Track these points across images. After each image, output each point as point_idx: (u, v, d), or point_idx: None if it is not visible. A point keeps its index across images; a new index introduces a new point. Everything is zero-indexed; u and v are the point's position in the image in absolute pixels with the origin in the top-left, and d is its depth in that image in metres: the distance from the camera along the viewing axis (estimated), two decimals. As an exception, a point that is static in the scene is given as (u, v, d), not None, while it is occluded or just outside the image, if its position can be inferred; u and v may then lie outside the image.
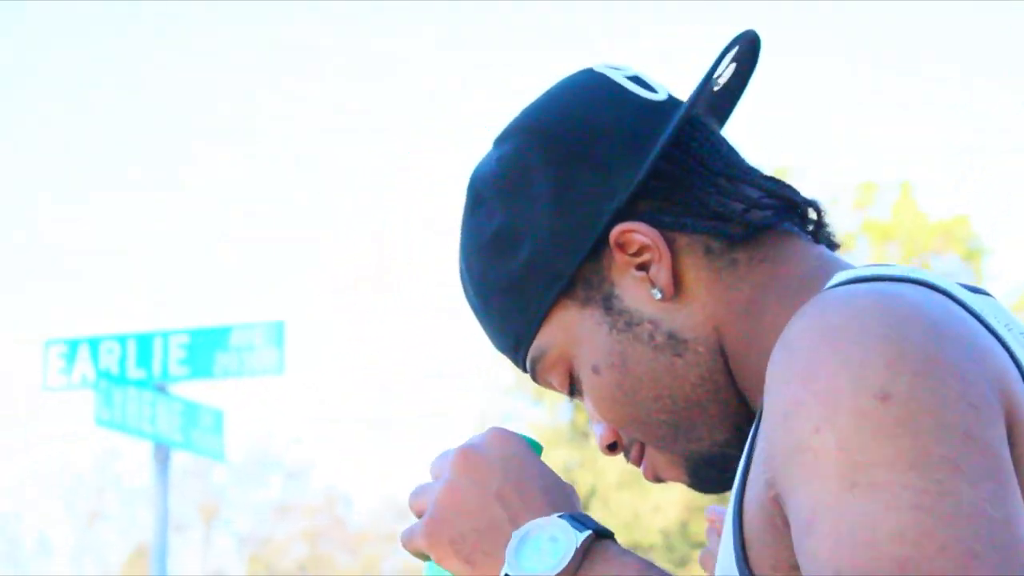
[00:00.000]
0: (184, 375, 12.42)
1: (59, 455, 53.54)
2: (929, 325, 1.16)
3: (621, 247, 1.38)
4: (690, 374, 1.38)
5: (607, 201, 1.38)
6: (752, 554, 1.22)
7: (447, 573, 1.27)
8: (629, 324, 1.39)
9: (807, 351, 1.16)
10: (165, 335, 12.47)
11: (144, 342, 12.45)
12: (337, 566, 37.59)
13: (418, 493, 1.29)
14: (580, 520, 1.22)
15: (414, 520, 1.30)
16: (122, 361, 12.40)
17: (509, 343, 1.45)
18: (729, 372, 1.39)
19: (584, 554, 1.20)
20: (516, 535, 1.22)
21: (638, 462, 1.44)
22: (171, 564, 12.81)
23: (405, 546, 1.28)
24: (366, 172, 53.04)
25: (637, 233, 1.37)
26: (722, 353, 1.38)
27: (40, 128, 53.01)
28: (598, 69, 1.46)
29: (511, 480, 1.26)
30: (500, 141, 1.46)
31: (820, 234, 1.44)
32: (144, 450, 25.92)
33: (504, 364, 24.74)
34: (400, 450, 51.75)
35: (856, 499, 1.09)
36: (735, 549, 1.23)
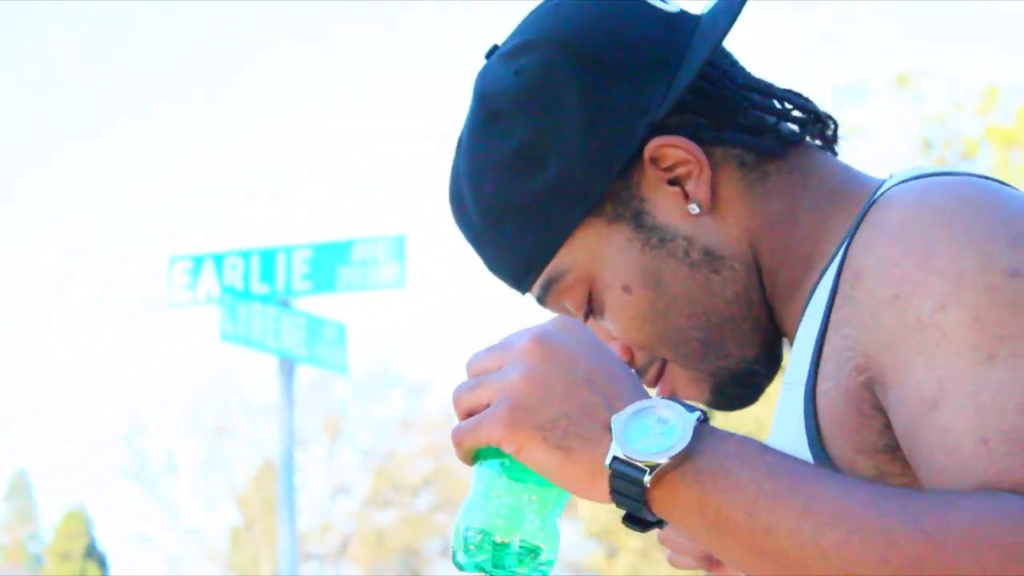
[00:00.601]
0: (307, 289, 12.48)
1: (185, 372, 54.33)
2: None
3: (655, 162, 1.36)
4: (726, 290, 1.37)
5: (641, 116, 1.35)
6: (828, 441, 1.22)
7: (505, 473, 1.19)
8: (662, 240, 1.36)
9: (921, 234, 1.16)
10: (288, 250, 12.52)
11: (267, 257, 12.52)
12: (461, 479, 37.90)
13: (474, 387, 1.18)
14: (686, 403, 1.16)
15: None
16: (246, 276, 12.49)
17: (519, 266, 1.41)
18: (762, 287, 1.38)
19: (700, 435, 1.13)
20: (621, 416, 1.13)
21: (654, 382, 1.42)
22: (297, 479, 12.93)
23: (463, 440, 1.18)
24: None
25: (674, 147, 1.35)
26: (757, 268, 1.37)
27: (166, 46, 53.51)
28: None
29: (597, 364, 1.17)
30: (515, 53, 1.40)
31: (835, 149, 1.44)
32: (268, 365, 26.23)
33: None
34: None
35: (996, 368, 1.09)
36: (810, 437, 1.24)
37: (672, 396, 1.21)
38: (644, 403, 1.14)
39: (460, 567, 1.19)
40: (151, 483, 37.68)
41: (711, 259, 1.36)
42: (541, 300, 1.43)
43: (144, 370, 52.65)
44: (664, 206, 1.36)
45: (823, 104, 1.43)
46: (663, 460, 1.11)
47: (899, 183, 1.27)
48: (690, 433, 1.11)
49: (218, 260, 12.53)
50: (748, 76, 1.42)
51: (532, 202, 1.37)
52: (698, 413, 1.13)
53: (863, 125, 19.89)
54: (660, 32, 1.38)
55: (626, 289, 1.37)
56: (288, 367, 12.49)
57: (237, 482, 37.68)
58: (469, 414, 1.18)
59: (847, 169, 1.40)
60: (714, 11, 1.40)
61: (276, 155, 53.87)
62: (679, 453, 1.11)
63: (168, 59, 55.54)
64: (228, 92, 55.05)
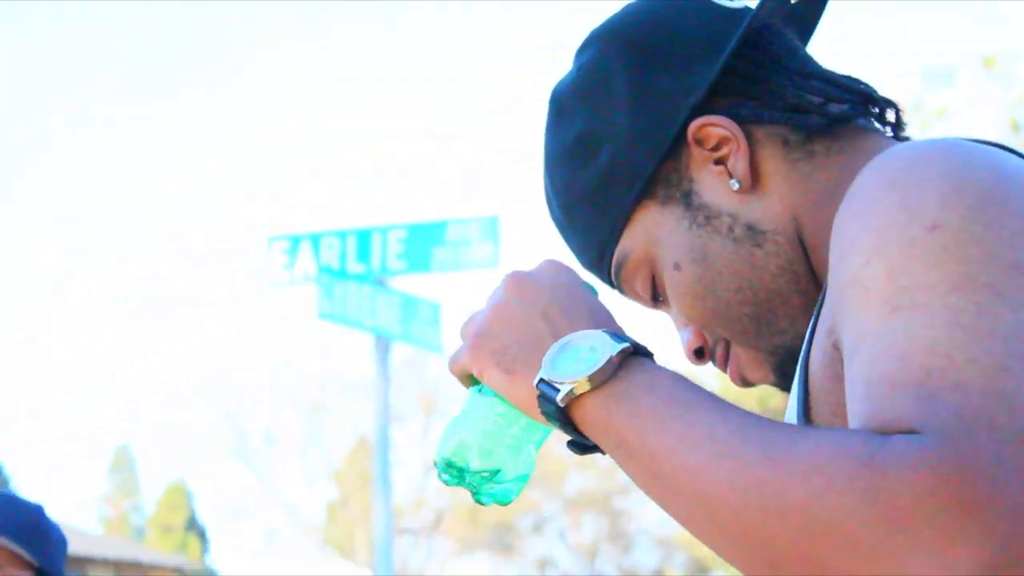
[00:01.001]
0: (402, 269, 12.37)
1: (283, 349, 54.70)
2: (990, 167, 1.17)
3: (699, 142, 1.40)
4: (769, 264, 1.38)
5: (684, 98, 1.39)
6: (814, 404, 1.24)
7: (486, 396, 1.28)
8: (708, 218, 1.39)
9: (868, 196, 1.18)
10: (383, 230, 12.46)
11: (363, 237, 12.47)
12: (552, 456, 37.96)
13: (469, 319, 1.30)
14: (620, 336, 1.21)
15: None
16: (342, 256, 12.41)
17: (594, 254, 1.46)
18: (809, 262, 1.38)
19: (620, 365, 1.19)
20: (556, 344, 1.22)
21: (724, 365, 1.45)
22: (392, 455, 12.99)
23: (451, 368, 1.29)
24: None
25: (714, 126, 1.39)
26: (801, 243, 1.38)
27: (257, 25, 53.75)
28: None
29: (558, 300, 1.26)
30: (580, 52, 1.47)
31: (899, 135, 1.45)
32: (364, 344, 26.32)
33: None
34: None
35: (896, 320, 1.10)
36: (799, 400, 1.26)
37: (614, 332, 1.22)
38: (579, 334, 1.22)
39: (441, 480, 1.30)
40: (250, 458, 37.96)
41: (754, 234, 1.38)
42: (619, 289, 1.47)
43: (244, 348, 53.14)
44: (710, 185, 1.39)
45: (886, 90, 1.44)
46: (575, 382, 1.19)
47: None
48: (605, 360, 1.18)
49: (315, 240, 12.49)
50: (803, 62, 1.44)
51: (592, 189, 1.42)
52: (625, 344, 1.20)
53: (952, 107, 19.84)
54: (708, 21, 1.42)
55: (676, 267, 1.41)
56: (384, 345, 12.44)
57: (333, 458, 37.85)
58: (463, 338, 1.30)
59: None
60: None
61: (373, 138, 54.08)
62: (591, 376, 1.18)
63: (262, 40, 55.84)
64: (325, 74, 55.31)
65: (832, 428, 1.09)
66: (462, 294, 33.11)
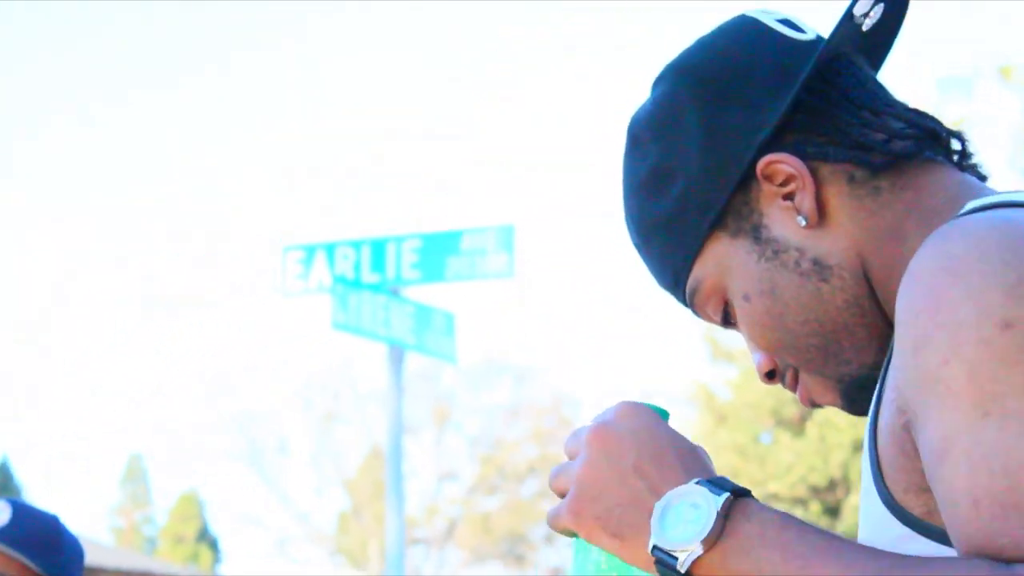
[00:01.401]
0: (416, 279, 12.35)
1: (297, 359, 54.76)
2: None
3: (768, 178, 1.43)
4: (836, 298, 1.42)
5: (754, 134, 1.43)
6: (887, 475, 1.29)
7: (596, 549, 1.29)
8: (776, 252, 1.43)
9: (930, 282, 1.21)
10: (398, 240, 12.43)
11: (378, 247, 12.46)
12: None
13: (557, 474, 1.32)
14: (717, 483, 1.24)
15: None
16: (357, 266, 12.41)
17: (669, 279, 1.51)
18: (874, 296, 1.42)
19: (726, 516, 1.22)
20: (658, 506, 1.24)
21: (793, 388, 1.49)
22: (405, 465, 12.95)
23: (552, 526, 1.31)
24: (598, 78, 52.90)
25: (782, 163, 1.42)
26: (866, 278, 1.42)
27: (286, 43, 53.85)
28: (749, 14, 1.51)
29: (645, 452, 1.28)
30: (656, 84, 1.52)
31: (965, 164, 1.47)
32: (377, 354, 26.40)
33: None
34: (627, 350, 51.86)
35: (988, 428, 1.15)
36: (872, 469, 1.31)
37: (712, 480, 1.26)
38: (678, 491, 1.25)
39: None
40: (263, 468, 38.03)
41: (820, 269, 1.42)
42: (692, 310, 1.52)
43: (257, 357, 53.17)
44: (779, 220, 1.43)
45: (947, 120, 1.48)
46: (691, 548, 1.22)
47: (963, 214, 1.33)
48: (713, 520, 1.21)
49: (330, 250, 12.49)
50: (872, 95, 1.47)
51: (666, 219, 1.47)
52: (727, 495, 1.23)
53: (968, 118, 19.78)
54: (778, 56, 1.46)
55: (746, 298, 1.46)
56: (397, 355, 12.43)
57: (346, 468, 37.90)
58: (561, 496, 1.32)
59: (961, 184, 1.43)
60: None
61: (387, 147, 54.14)
62: (706, 539, 1.21)
63: (278, 46, 55.96)
64: (337, 86, 55.40)
65: (951, 560, 1.16)
66: (477, 304, 33.09)
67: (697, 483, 1.24)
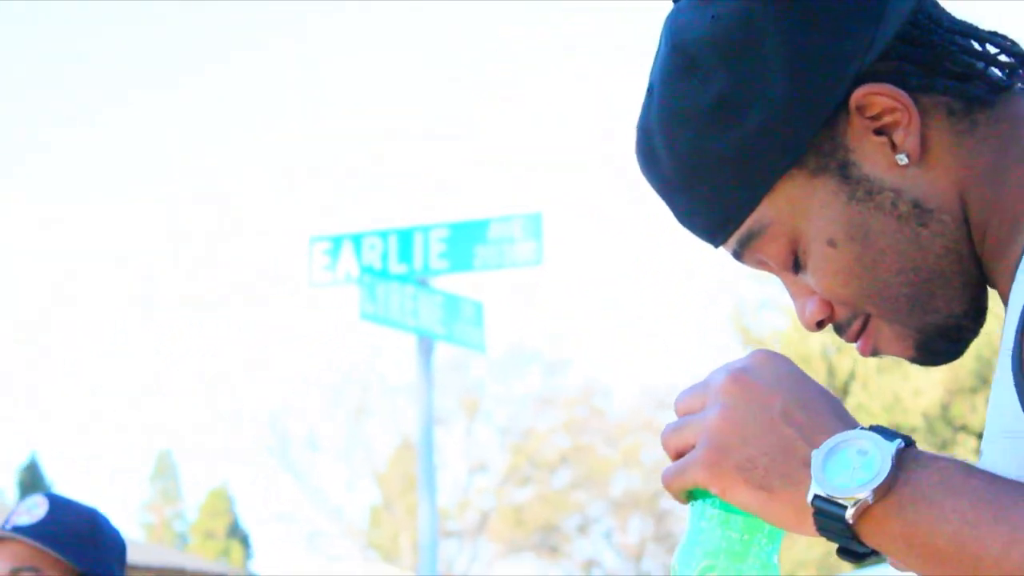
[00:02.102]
0: (444, 268, 12.41)
1: (325, 351, 54.82)
2: None
3: (861, 110, 1.31)
4: (935, 244, 1.32)
5: (847, 63, 1.30)
6: None
7: (719, 510, 1.20)
8: (870, 193, 1.31)
9: None
10: (425, 229, 12.48)
11: (405, 237, 12.48)
12: (597, 456, 37.87)
13: (679, 428, 1.20)
14: (887, 431, 1.14)
15: (678, 440, 1.21)
16: (384, 256, 12.43)
17: (715, 220, 1.37)
18: (971, 241, 1.33)
19: (899, 465, 1.12)
20: (819, 452, 1.13)
21: (855, 338, 1.38)
22: (436, 457, 12.94)
23: (671, 484, 1.20)
24: (628, 66, 52.86)
25: (882, 95, 1.30)
26: (966, 221, 1.32)
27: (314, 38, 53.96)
28: None
29: (793, 398, 1.17)
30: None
31: None
32: (407, 345, 26.37)
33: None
34: (658, 340, 51.80)
35: None
36: (1021, 403, 1.19)
37: (876, 427, 1.15)
38: (842, 436, 1.13)
39: None
40: (293, 462, 38.06)
41: (919, 212, 1.31)
42: (738, 255, 1.39)
43: (285, 350, 53.21)
44: (871, 157, 1.31)
45: None
46: (863, 495, 1.11)
47: None
48: (889, 464, 1.11)
49: (357, 240, 12.51)
50: (952, 19, 1.37)
51: (732, 154, 1.33)
52: (898, 441, 1.13)
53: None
54: None
55: (831, 243, 1.33)
56: (426, 346, 12.44)
57: (377, 461, 37.95)
58: (678, 455, 1.20)
59: None
60: None
61: (412, 136, 54.11)
62: (879, 486, 1.11)
63: (304, 37, 56.01)
64: (366, 73, 55.41)
65: None
66: (505, 293, 33.03)
67: (864, 429, 1.14)
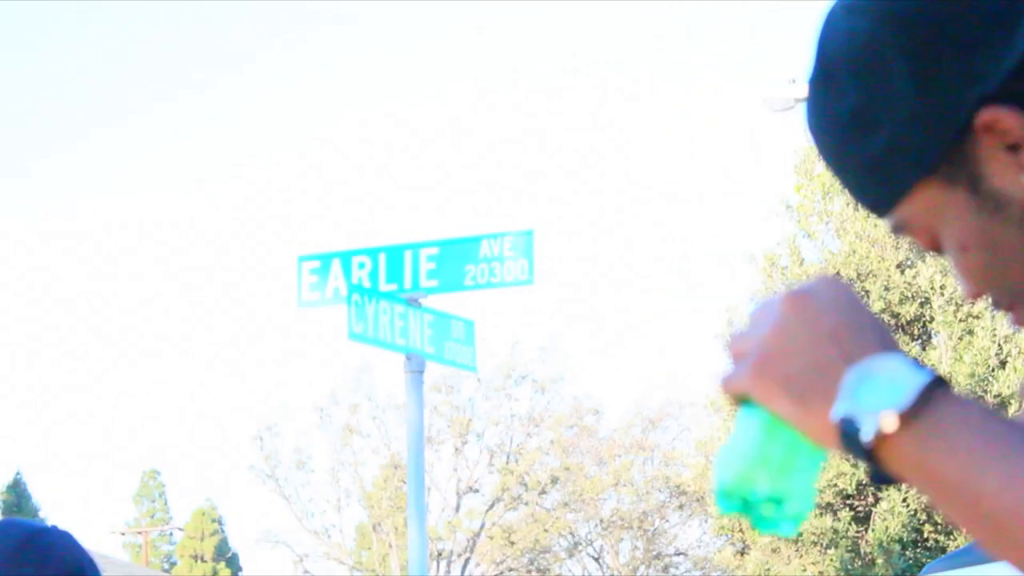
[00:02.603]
0: (434, 287, 12.33)
1: (314, 371, 54.71)
2: None
3: (988, 130, 1.33)
4: None
5: (972, 85, 1.33)
6: None
7: (761, 418, 1.25)
8: (998, 207, 1.35)
9: None
10: (415, 247, 12.40)
11: (394, 255, 12.40)
12: (588, 476, 37.73)
13: (739, 337, 1.27)
14: (920, 365, 1.19)
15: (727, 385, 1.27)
16: (373, 275, 12.37)
17: (868, 207, 1.44)
18: None
19: (926, 397, 1.17)
20: (853, 372, 1.19)
21: (1007, 311, 1.43)
22: (425, 478, 12.87)
23: (725, 388, 1.26)
24: (619, 85, 52.85)
25: (1009, 118, 1.32)
26: None
27: (300, 45, 53.91)
28: None
29: (844, 320, 1.23)
30: (852, 11, 1.39)
31: None
32: (396, 364, 26.28)
33: (751, 269, 24.48)
34: (648, 359, 51.73)
35: None
36: None
37: (914, 360, 1.20)
38: (878, 360, 1.19)
39: (719, 508, 1.27)
40: (281, 482, 37.92)
41: None
42: (896, 233, 1.45)
43: (274, 370, 53.05)
44: (999, 172, 1.35)
45: None
46: (883, 419, 1.16)
47: None
48: (914, 394, 1.17)
49: (346, 259, 12.45)
50: None
51: (868, 163, 1.39)
52: (928, 375, 1.17)
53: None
54: None
55: (963, 249, 1.38)
56: (416, 365, 12.34)
57: (366, 481, 37.83)
58: (737, 360, 1.26)
59: None
60: None
61: (402, 154, 54.06)
62: (900, 413, 1.17)
63: (293, 59, 55.95)
64: (354, 93, 55.35)
65: None
66: (496, 311, 32.98)
67: (900, 358, 1.20)
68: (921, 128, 1.35)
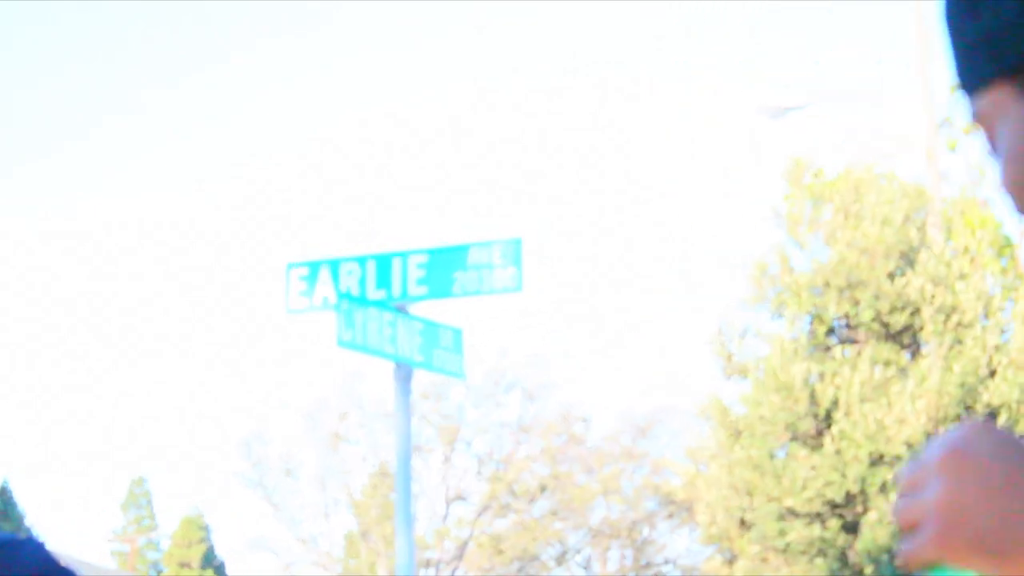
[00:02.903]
0: (423, 295, 12.39)
1: (302, 378, 54.63)
2: None
3: None
4: None
5: None
6: None
7: None
8: None
9: None
10: (404, 255, 12.48)
11: (383, 263, 12.47)
12: (577, 484, 37.68)
13: (904, 507, 1.28)
14: None
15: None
16: (362, 282, 12.44)
17: (955, 85, 1.46)
18: None
19: None
20: None
21: None
22: (413, 485, 12.87)
23: (909, 563, 1.28)
24: (607, 93, 52.82)
25: None
26: None
27: (294, 50, 53.85)
28: None
29: (1011, 467, 1.23)
30: None
31: None
32: (384, 372, 26.27)
33: (742, 276, 24.43)
34: (638, 367, 51.68)
35: None
36: None
37: None
38: None
39: None
40: (269, 490, 37.84)
41: None
42: (973, 121, 1.48)
43: (262, 377, 52.97)
44: None
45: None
46: None
47: None
48: None
49: (334, 266, 12.52)
50: None
51: (962, 45, 1.43)
52: None
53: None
54: None
55: (1010, 159, 1.39)
56: (405, 373, 12.41)
57: (354, 489, 37.76)
58: (909, 530, 1.27)
59: None
60: None
61: (390, 161, 54.02)
62: None
63: (280, 65, 55.89)
64: (342, 99, 55.31)
65: None
66: (485, 319, 32.93)
67: None
68: (1013, 30, 1.37)
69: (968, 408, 22.14)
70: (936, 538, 1.24)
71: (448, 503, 37.44)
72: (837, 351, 22.30)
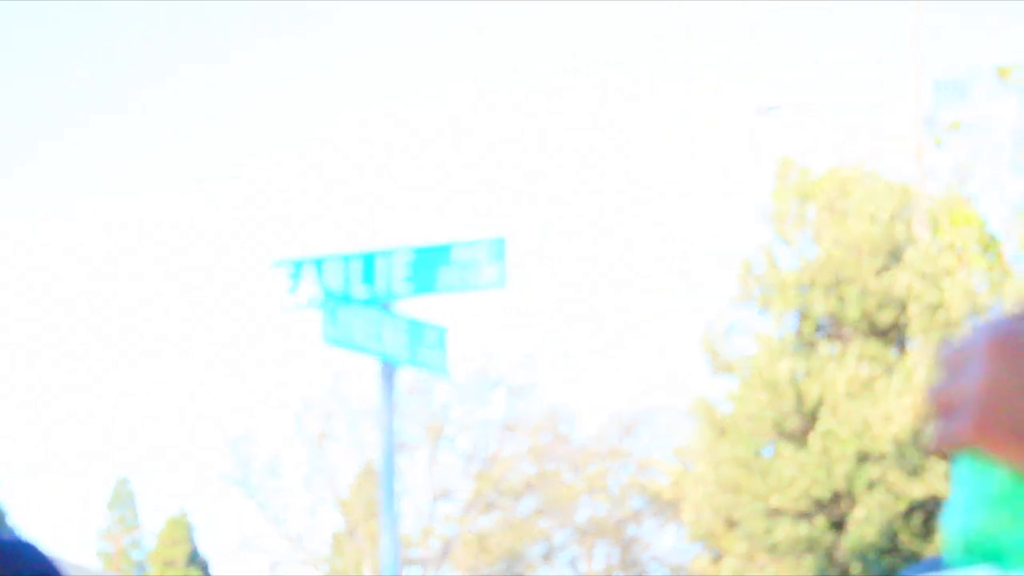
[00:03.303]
0: (408, 292, 12.41)
1: (288, 376, 54.55)
2: None
3: None
4: None
5: None
6: None
7: (989, 467, 1.21)
8: None
9: None
10: (388, 253, 12.46)
11: (368, 260, 12.47)
12: (563, 483, 37.64)
13: (941, 389, 1.23)
14: None
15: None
16: (347, 280, 12.43)
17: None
18: None
19: None
20: None
21: None
22: (398, 483, 12.87)
23: (939, 445, 1.22)
24: (592, 91, 52.81)
25: None
26: None
27: (283, 49, 53.76)
28: None
29: None
30: None
31: None
32: (369, 370, 26.19)
33: (729, 274, 24.37)
34: (624, 365, 51.69)
35: None
36: None
37: None
38: None
39: (961, 563, 1.23)
40: (254, 489, 37.75)
41: None
42: None
43: (246, 375, 52.89)
44: None
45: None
46: None
47: None
48: None
49: (319, 264, 12.51)
50: None
51: None
52: None
53: (965, 121, 19.51)
54: None
55: None
56: (389, 370, 12.42)
57: (339, 487, 37.67)
58: (946, 413, 1.22)
59: None
60: None
61: (375, 158, 53.97)
62: None
63: (268, 64, 55.82)
64: (327, 97, 55.23)
65: None
66: (469, 317, 32.89)
67: None
68: None
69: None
70: (975, 422, 1.20)
71: (434, 501, 37.38)
72: (823, 348, 22.32)
